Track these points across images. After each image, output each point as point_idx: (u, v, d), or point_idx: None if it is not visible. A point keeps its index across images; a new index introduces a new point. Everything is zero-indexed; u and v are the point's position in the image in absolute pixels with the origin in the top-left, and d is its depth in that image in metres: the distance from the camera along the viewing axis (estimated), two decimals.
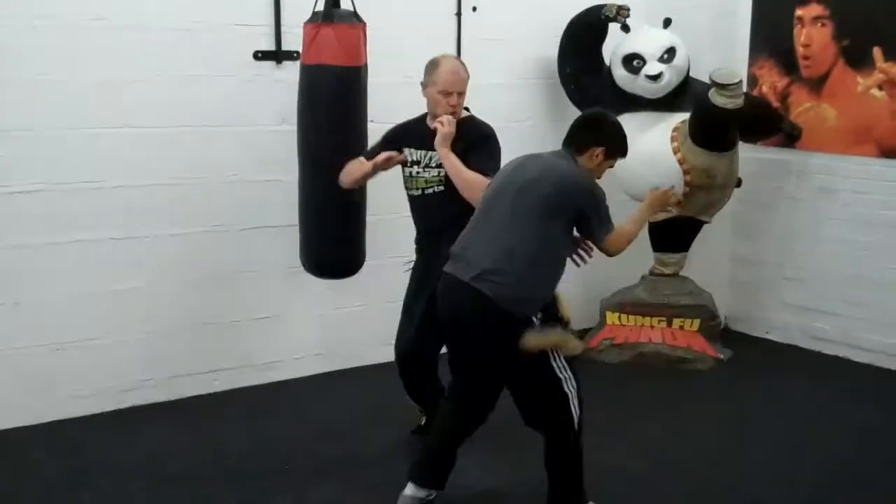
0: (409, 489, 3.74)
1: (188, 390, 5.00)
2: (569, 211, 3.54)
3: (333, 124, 4.36)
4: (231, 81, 4.92)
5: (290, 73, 4.94)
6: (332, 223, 4.51)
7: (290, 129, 4.83)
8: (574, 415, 3.53)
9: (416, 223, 4.35)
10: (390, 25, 5.01)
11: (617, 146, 3.72)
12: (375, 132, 4.42)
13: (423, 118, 4.26)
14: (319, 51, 4.33)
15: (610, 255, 3.72)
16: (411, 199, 4.30)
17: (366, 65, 4.47)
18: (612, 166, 3.77)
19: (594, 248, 3.76)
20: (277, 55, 4.99)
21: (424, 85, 4.15)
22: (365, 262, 4.70)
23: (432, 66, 4.16)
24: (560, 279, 3.63)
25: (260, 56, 4.97)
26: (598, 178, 3.72)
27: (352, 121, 4.40)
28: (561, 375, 3.51)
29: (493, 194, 3.65)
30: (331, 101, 4.38)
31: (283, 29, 4.97)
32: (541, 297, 3.55)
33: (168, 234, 4.87)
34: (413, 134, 4.24)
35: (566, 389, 3.52)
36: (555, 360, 3.50)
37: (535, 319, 3.49)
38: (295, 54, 4.95)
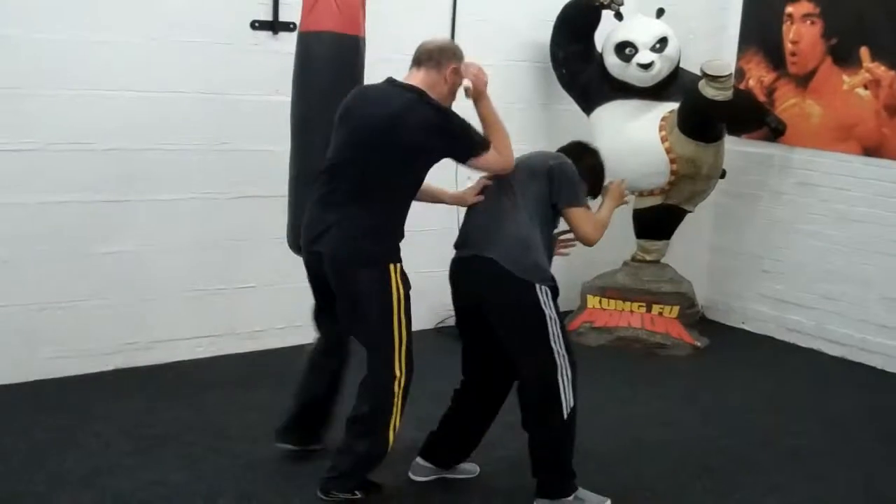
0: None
1: (172, 356, 5.03)
2: (542, 172, 3.69)
3: (329, 94, 4.04)
4: (227, 50, 4.93)
5: (286, 43, 4.94)
6: None
7: (283, 99, 4.81)
8: (564, 402, 3.58)
9: None
10: (385, 3, 5.03)
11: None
12: None
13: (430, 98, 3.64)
14: (319, 17, 4.11)
15: (583, 235, 3.76)
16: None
17: (364, 38, 4.39)
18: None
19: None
20: (274, 25, 5.02)
21: (456, 73, 3.65)
22: None
23: (462, 55, 3.71)
24: (549, 247, 3.73)
25: (257, 25, 4.99)
26: None
27: (349, 91, 4.02)
28: (558, 361, 3.57)
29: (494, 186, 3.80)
30: (328, 69, 4.13)
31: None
32: (533, 259, 3.61)
33: (158, 199, 4.89)
34: None
35: (559, 377, 3.57)
36: (555, 341, 3.57)
37: (539, 287, 3.56)
38: (291, 25, 4.97)
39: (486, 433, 3.95)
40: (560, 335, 3.58)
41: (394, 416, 3.64)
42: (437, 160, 3.66)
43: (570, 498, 3.69)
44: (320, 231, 3.61)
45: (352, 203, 3.57)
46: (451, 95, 3.73)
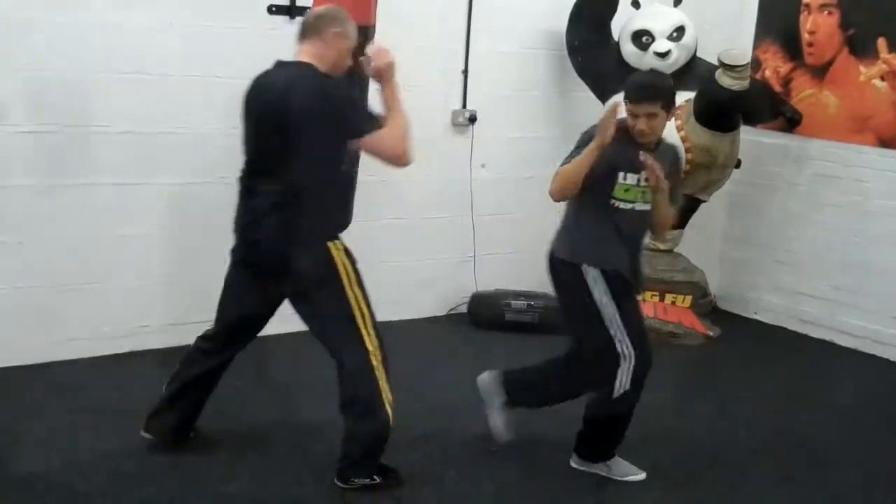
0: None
1: (184, 338, 5.01)
2: None
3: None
4: (243, 34, 4.92)
5: None
6: None
7: None
8: (618, 385, 3.70)
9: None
10: None
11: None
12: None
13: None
14: (328, 2, 4.08)
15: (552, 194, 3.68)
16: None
17: (374, 25, 4.38)
18: (633, 114, 3.71)
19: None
20: (290, 10, 5.00)
21: (339, 35, 3.56)
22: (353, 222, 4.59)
23: (345, 17, 3.61)
24: (609, 233, 3.68)
25: (273, 10, 4.98)
26: (632, 127, 3.70)
27: (355, 78, 4.02)
28: (619, 349, 3.67)
29: None
30: None
31: None
32: (577, 242, 3.72)
33: (172, 182, 4.90)
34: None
35: (620, 361, 3.67)
36: (612, 326, 3.66)
37: (585, 269, 3.65)
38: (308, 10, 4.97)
39: (557, 401, 4.01)
40: (616, 318, 3.64)
41: (382, 390, 3.61)
42: (340, 134, 3.53)
43: (599, 463, 3.90)
44: (250, 220, 3.59)
45: (274, 191, 3.50)
46: (342, 61, 3.60)
